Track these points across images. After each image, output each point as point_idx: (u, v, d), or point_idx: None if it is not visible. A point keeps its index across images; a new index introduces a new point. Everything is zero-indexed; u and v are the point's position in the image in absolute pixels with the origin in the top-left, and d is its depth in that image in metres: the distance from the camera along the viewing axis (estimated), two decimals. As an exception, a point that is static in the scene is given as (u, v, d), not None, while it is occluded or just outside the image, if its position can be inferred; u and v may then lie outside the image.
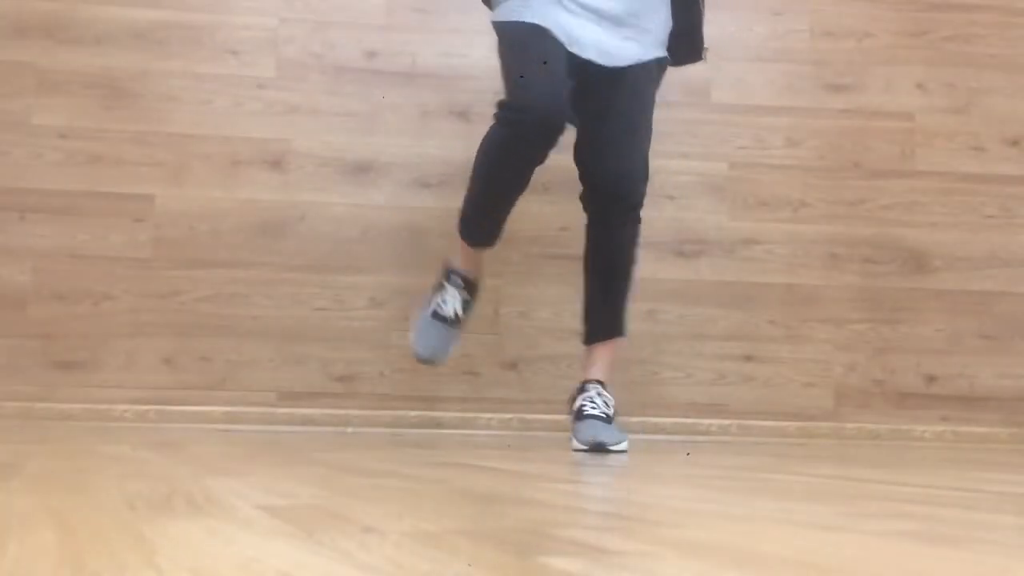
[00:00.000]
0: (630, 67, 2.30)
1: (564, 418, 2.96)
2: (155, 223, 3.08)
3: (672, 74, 3.29)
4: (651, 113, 2.37)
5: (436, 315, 2.41)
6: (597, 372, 2.39)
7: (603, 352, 2.40)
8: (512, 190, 2.29)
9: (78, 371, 3.00)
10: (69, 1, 3.12)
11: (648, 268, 3.18)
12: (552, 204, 3.06)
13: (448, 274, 2.43)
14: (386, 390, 3.09)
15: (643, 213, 2.41)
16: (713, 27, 3.34)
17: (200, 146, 3.12)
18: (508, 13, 2.25)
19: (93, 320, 3.02)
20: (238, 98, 3.15)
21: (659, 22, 2.36)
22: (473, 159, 2.33)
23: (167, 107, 3.12)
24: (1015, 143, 3.42)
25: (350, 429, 3.00)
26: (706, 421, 3.18)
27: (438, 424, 3.07)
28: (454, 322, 2.42)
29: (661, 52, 2.37)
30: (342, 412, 3.06)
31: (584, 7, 2.23)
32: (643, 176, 2.33)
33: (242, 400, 3.04)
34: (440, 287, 2.44)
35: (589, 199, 2.38)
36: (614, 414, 2.34)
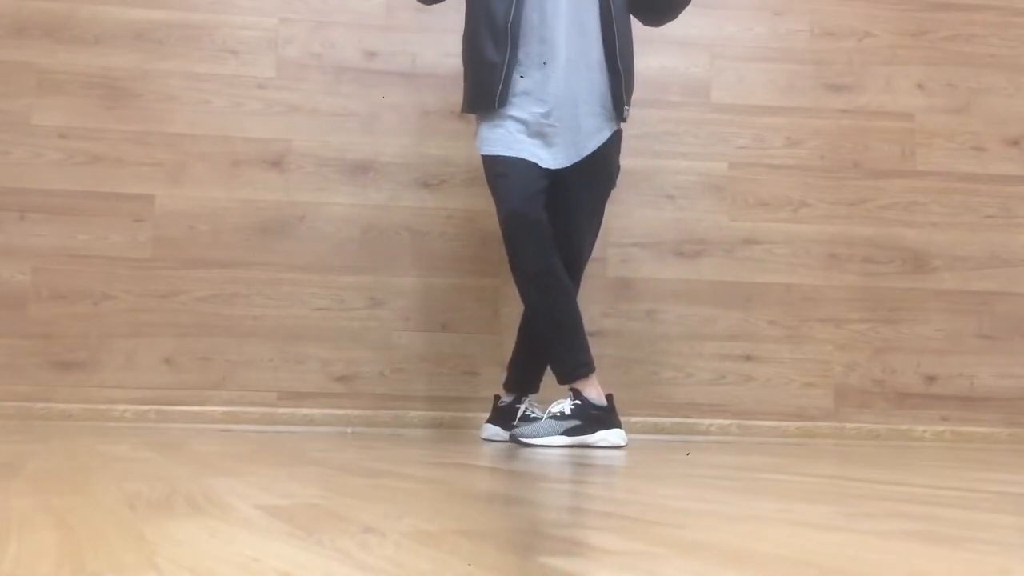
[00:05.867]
0: (591, 154, 2.55)
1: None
2: (155, 223, 3.08)
3: (672, 74, 3.31)
4: (605, 202, 2.65)
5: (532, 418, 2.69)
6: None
7: None
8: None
9: (78, 371, 2.99)
10: (69, 1, 3.12)
11: (648, 268, 3.18)
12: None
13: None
14: (386, 390, 3.09)
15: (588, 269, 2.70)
16: (713, 27, 3.36)
17: (200, 146, 3.12)
18: (492, 148, 2.58)
19: (93, 320, 3.02)
20: (238, 98, 3.15)
21: (598, 110, 2.57)
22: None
23: (167, 107, 3.12)
24: (1015, 143, 3.42)
25: (350, 429, 2.99)
26: (706, 421, 3.18)
27: (438, 424, 3.07)
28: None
29: (614, 126, 2.59)
30: (342, 412, 3.06)
31: (543, 136, 2.53)
32: (584, 260, 2.65)
33: (242, 400, 3.04)
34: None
35: None
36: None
